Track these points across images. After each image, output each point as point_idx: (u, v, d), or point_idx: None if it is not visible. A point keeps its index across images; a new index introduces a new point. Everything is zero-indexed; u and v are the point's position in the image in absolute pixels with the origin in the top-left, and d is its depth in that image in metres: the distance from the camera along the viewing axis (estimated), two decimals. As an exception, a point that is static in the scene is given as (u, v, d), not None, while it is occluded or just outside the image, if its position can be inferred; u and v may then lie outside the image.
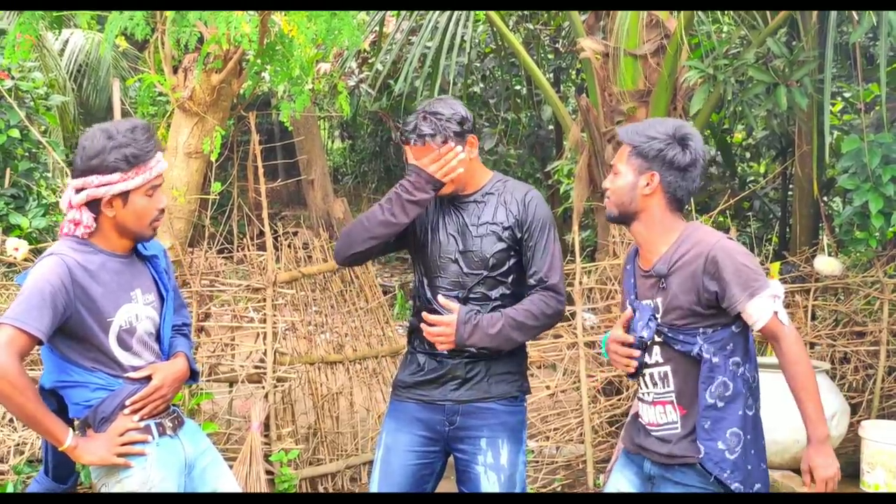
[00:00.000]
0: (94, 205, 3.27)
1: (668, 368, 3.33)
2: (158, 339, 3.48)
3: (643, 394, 3.44)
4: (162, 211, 3.36)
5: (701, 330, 3.25)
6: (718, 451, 3.23)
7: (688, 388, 3.30)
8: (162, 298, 3.49)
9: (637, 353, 3.34)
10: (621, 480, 3.54)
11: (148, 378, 3.34)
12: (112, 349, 3.29)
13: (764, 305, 3.18)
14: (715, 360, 3.24)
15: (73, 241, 3.28)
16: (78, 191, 3.26)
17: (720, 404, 3.24)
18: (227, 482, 3.55)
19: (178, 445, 3.40)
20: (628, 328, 3.40)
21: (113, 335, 3.28)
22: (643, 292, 3.39)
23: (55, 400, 3.36)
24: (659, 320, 3.31)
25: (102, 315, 3.25)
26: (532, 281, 3.74)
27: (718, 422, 3.24)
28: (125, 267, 3.35)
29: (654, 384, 3.37)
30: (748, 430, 3.28)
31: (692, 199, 7.01)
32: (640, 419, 3.47)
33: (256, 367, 5.98)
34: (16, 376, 3.03)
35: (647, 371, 3.39)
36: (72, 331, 3.21)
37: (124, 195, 3.25)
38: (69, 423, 3.36)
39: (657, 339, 3.33)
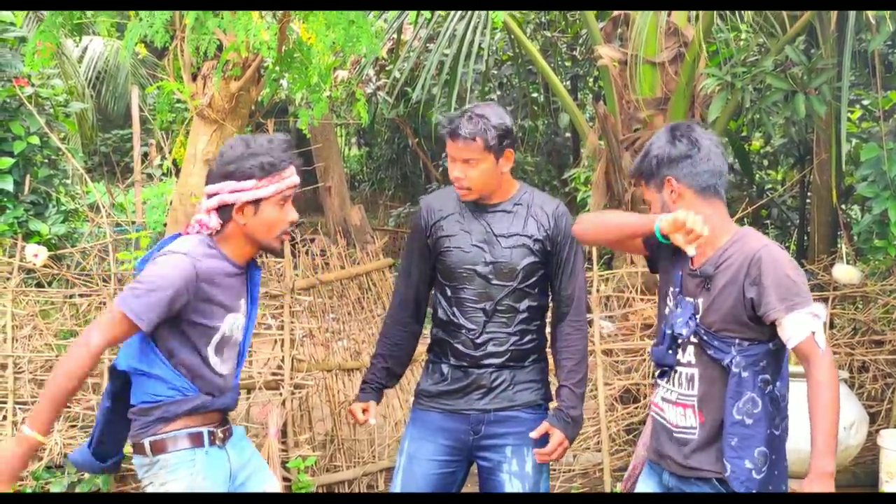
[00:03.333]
0: (224, 211, 3.32)
1: (696, 371, 3.27)
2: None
3: (668, 391, 3.37)
4: (293, 223, 3.39)
5: (737, 341, 3.18)
6: (745, 471, 3.16)
7: (711, 395, 3.23)
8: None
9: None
10: (644, 491, 3.52)
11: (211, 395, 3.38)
12: (209, 355, 3.33)
13: (802, 322, 3.09)
14: (744, 374, 3.16)
15: (206, 242, 3.32)
16: (210, 196, 3.32)
17: (748, 421, 3.16)
18: (271, 488, 3.58)
19: (225, 457, 3.41)
20: (665, 321, 3.36)
21: (214, 342, 3.33)
22: (688, 290, 3.32)
23: (120, 382, 3.39)
24: (698, 320, 3.26)
25: (212, 322, 3.30)
26: (562, 297, 3.77)
27: (746, 440, 3.16)
28: (239, 277, 3.41)
29: (680, 384, 3.32)
30: (774, 450, 3.21)
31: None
32: (662, 417, 3.40)
33: (274, 374, 6.00)
34: (85, 362, 3.11)
35: (677, 369, 3.33)
36: (178, 327, 3.25)
37: (256, 203, 3.29)
38: (126, 402, 3.39)
39: (692, 339, 3.28)
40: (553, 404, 3.86)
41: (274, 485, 3.60)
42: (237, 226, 3.33)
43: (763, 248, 3.17)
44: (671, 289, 3.40)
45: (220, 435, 3.40)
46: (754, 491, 3.16)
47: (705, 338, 3.24)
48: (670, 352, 3.34)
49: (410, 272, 3.90)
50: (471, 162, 3.65)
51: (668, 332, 3.33)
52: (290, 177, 3.34)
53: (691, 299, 3.29)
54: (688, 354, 3.30)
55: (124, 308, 3.12)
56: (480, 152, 3.63)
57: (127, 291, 3.17)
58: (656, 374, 3.46)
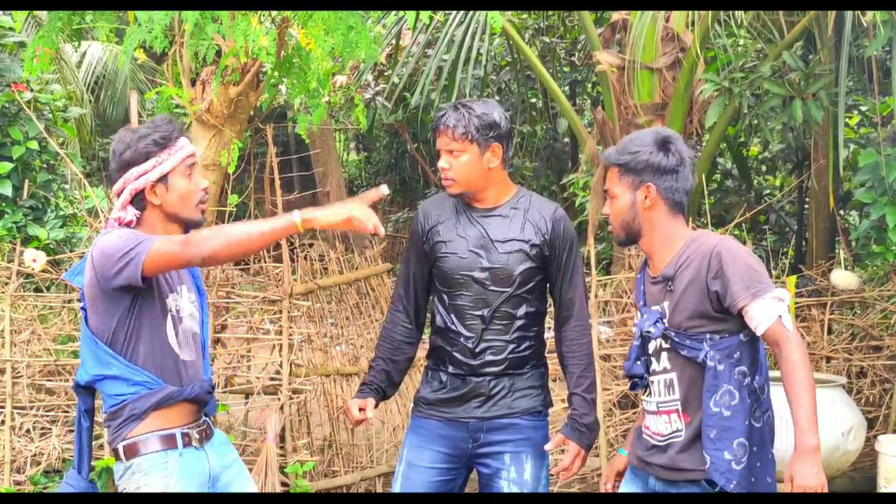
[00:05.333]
0: (137, 200, 3.31)
1: (673, 375, 3.30)
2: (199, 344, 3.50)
3: (647, 403, 3.40)
4: (206, 191, 3.40)
5: (708, 336, 3.21)
6: (725, 462, 3.18)
7: (693, 395, 3.26)
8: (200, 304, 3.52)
9: None
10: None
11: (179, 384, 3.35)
12: (168, 334, 3.30)
13: (768, 308, 3.13)
14: (720, 367, 3.19)
15: (124, 229, 3.30)
16: (119, 192, 3.31)
17: (726, 413, 3.19)
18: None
19: (203, 457, 3.37)
20: (634, 335, 3.40)
21: (169, 319, 3.30)
22: (652, 299, 3.37)
23: (91, 398, 3.39)
24: (666, 324, 3.29)
25: (159, 292, 3.28)
26: (563, 301, 3.75)
27: (725, 431, 3.19)
28: None
29: (658, 392, 3.34)
30: (755, 442, 3.23)
31: (707, 213, 7.04)
32: (646, 430, 3.43)
33: (272, 379, 6.00)
34: (224, 234, 3.15)
35: (652, 378, 3.36)
36: (133, 308, 3.22)
37: (164, 179, 3.29)
38: (92, 423, 3.41)
39: (664, 344, 3.30)
40: (552, 409, 3.86)
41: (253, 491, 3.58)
42: (154, 209, 3.32)
43: (719, 242, 3.24)
44: (638, 304, 3.46)
45: (196, 435, 3.36)
46: (735, 482, 3.18)
47: (676, 339, 3.27)
48: (638, 363, 3.37)
49: (409, 277, 3.88)
50: (454, 153, 3.63)
51: (637, 343, 3.38)
52: (186, 146, 3.35)
53: (657, 306, 3.34)
54: (662, 361, 3.33)
55: (148, 244, 3.12)
56: (462, 142, 3.61)
57: (128, 258, 3.11)
58: (628, 386, 3.48)
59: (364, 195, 3.25)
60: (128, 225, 3.30)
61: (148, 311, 3.24)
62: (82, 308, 3.33)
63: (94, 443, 3.50)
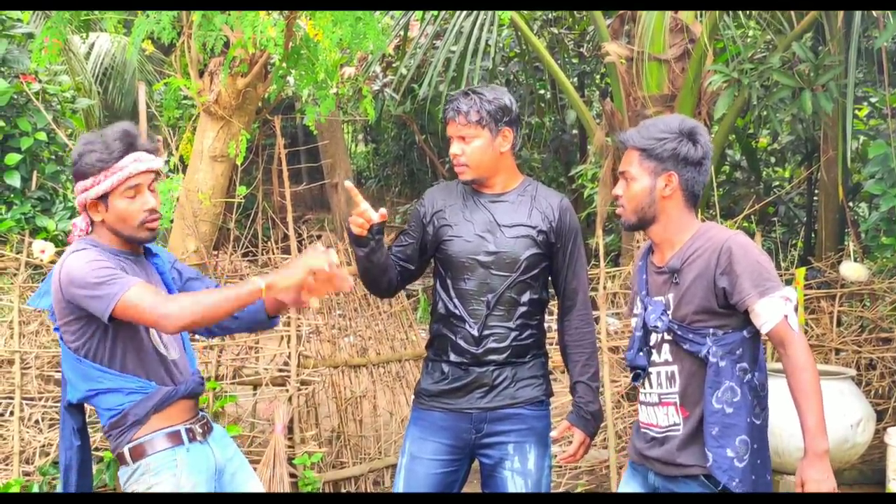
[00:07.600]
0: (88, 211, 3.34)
1: (675, 368, 3.27)
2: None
3: (646, 394, 3.38)
4: (151, 211, 3.31)
5: (711, 331, 3.18)
6: (727, 459, 3.15)
7: (692, 389, 3.24)
8: None
9: None
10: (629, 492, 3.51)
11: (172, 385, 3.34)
12: (153, 337, 3.31)
13: (774, 307, 3.11)
14: (722, 363, 3.16)
15: (86, 240, 3.30)
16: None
17: (728, 410, 3.16)
18: (255, 487, 3.56)
19: (209, 451, 3.39)
20: (636, 326, 3.37)
21: None
22: (655, 289, 3.34)
23: (80, 417, 3.40)
24: (670, 316, 3.26)
25: None
26: (567, 291, 3.79)
27: (728, 428, 3.16)
28: (137, 265, 3.36)
29: (660, 384, 3.32)
30: (755, 439, 3.21)
31: (716, 204, 7.02)
32: (643, 424, 3.41)
33: (280, 371, 6.00)
34: (198, 303, 3.05)
35: (653, 370, 3.33)
36: (116, 324, 3.18)
37: (103, 198, 3.27)
38: (87, 438, 3.43)
39: (667, 336, 3.28)
40: (556, 400, 3.86)
41: (257, 484, 3.58)
42: (100, 223, 3.32)
43: (731, 238, 3.20)
44: (638, 294, 3.42)
45: (199, 430, 3.38)
46: (737, 480, 3.15)
47: (679, 332, 3.24)
48: (640, 353, 3.35)
49: (402, 243, 3.88)
50: (466, 138, 3.67)
51: (639, 334, 3.35)
52: (132, 165, 3.26)
53: (660, 297, 3.30)
54: (664, 353, 3.31)
55: (124, 290, 3.06)
56: (474, 127, 3.65)
57: (100, 293, 3.09)
58: (630, 377, 3.46)
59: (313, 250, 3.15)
60: (80, 232, 3.33)
61: (125, 322, 3.19)
62: (55, 329, 3.31)
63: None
